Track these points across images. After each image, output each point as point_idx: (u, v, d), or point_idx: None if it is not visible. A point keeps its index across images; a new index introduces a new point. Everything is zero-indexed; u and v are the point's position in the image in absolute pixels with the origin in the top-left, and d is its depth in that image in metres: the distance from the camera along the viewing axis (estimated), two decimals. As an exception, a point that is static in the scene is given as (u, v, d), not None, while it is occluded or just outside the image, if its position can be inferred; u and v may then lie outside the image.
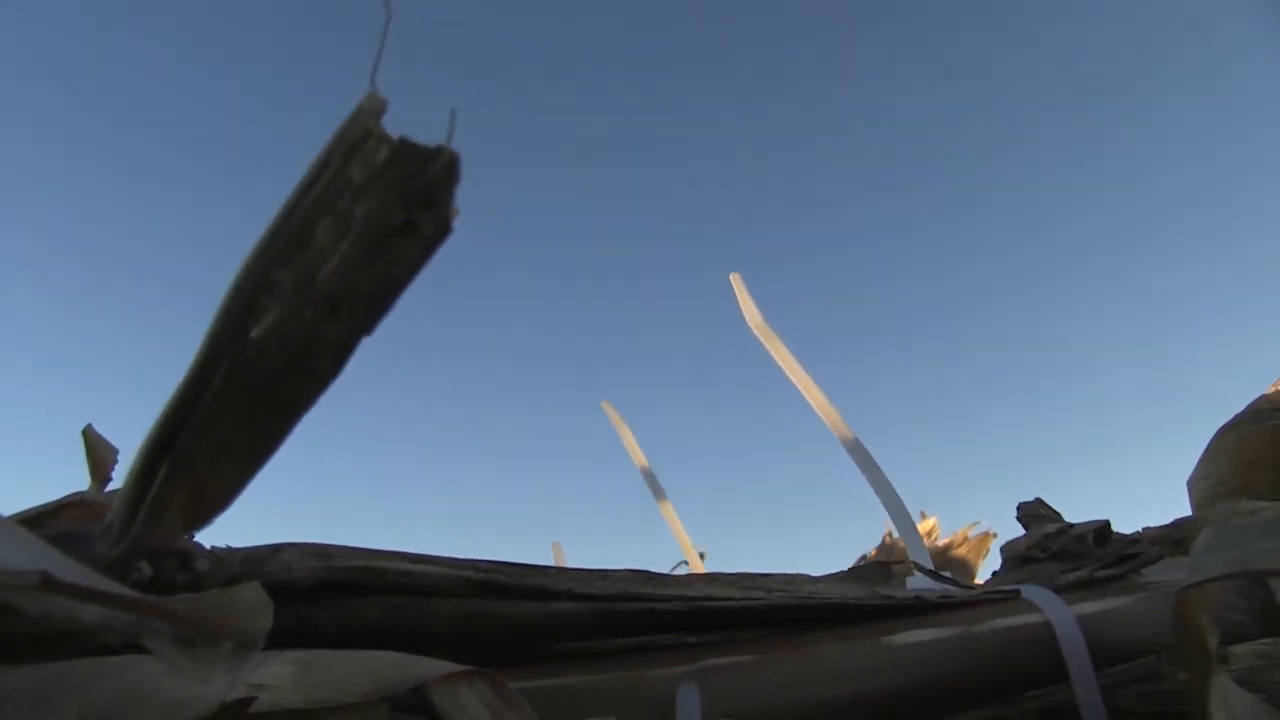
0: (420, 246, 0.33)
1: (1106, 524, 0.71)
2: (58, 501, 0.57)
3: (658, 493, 1.43)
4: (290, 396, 0.35)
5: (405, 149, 0.32)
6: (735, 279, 0.99)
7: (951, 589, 0.63)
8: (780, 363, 0.94)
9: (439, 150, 0.32)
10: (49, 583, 0.27)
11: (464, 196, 0.32)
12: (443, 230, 0.33)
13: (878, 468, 0.86)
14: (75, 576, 0.31)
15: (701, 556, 2.22)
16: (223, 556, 0.47)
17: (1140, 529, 0.73)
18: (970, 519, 1.84)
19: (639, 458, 1.43)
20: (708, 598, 0.53)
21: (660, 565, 0.56)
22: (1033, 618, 0.59)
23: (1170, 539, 0.70)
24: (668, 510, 1.44)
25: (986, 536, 1.84)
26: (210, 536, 0.45)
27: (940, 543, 1.86)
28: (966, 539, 1.83)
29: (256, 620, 0.35)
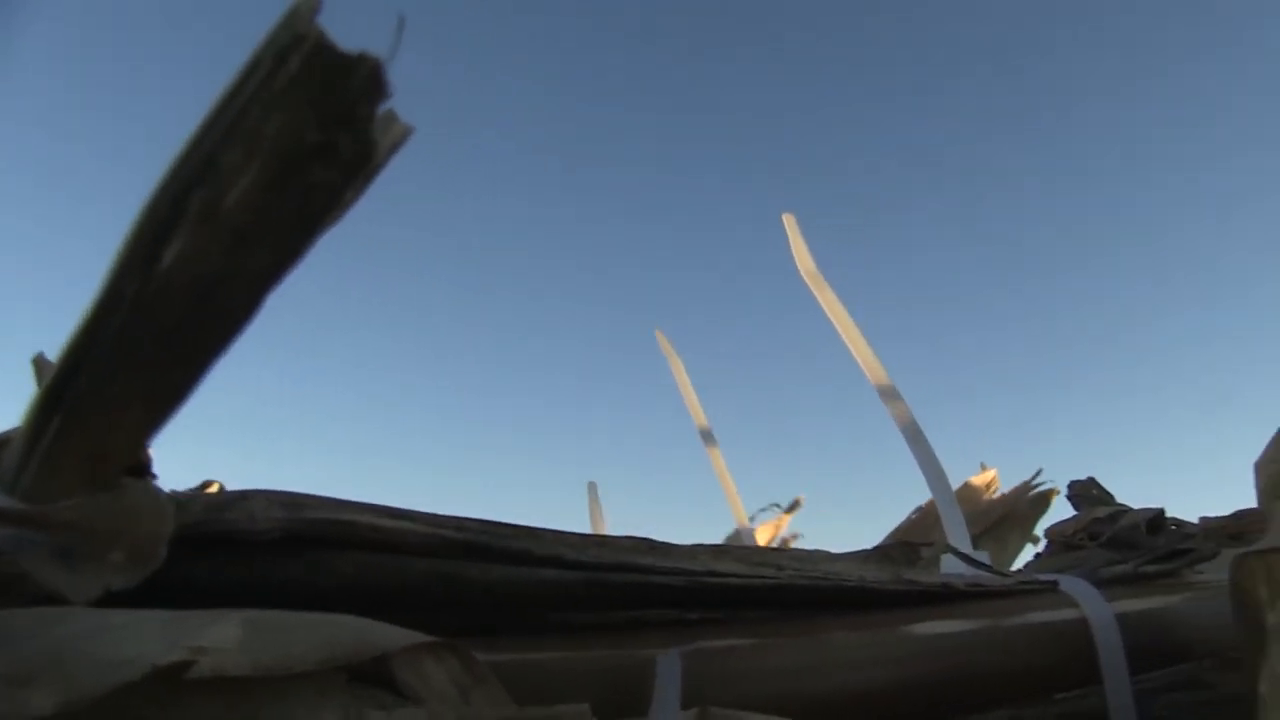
0: (339, 171, 0.28)
1: (1161, 512, 0.66)
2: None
3: (706, 433, 1.39)
4: (202, 336, 0.31)
5: (320, 57, 0.27)
6: (788, 220, 0.94)
7: (984, 575, 0.59)
8: (829, 312, 0.90)
9: (359, 59, 0.27)
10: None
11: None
12: (365, 153, 0.28)
13: (921, 433, 0.81)
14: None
15: (795, 505, 2.17)
16: (183, 502, 0.44)
17: (1198, 519, 0.68)
18: (1042, 475, 1.80)
19: (689, 393, 1.39)
20: (711, 573, 0.49)
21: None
22: (1069, 613, 0.55)
23: (1228, 532, 0.65)
24: (715, 454, 1.41)
25: (1050, 492, 1.79)
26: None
27: (998, 495, 1.82)
28: (1029, 494, 1.78)
29: (154, 525, 0.32)
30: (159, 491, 0.34)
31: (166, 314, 0.30)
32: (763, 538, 2.02)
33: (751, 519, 1.85)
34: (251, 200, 0.29)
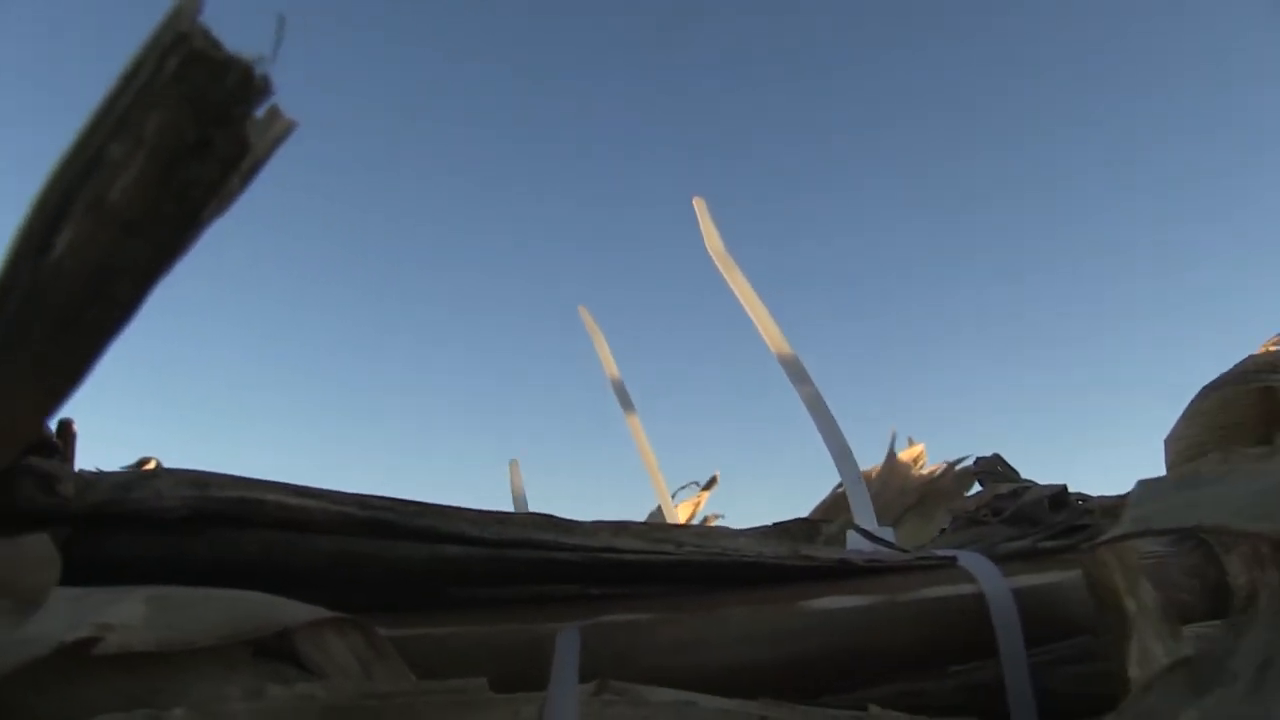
0: (217, 167, 0.29)
1: (1063, 489, 0.68)
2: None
3: (628, 407, 1.40)
4: (93, 322, 0.32)
5: (197, 57, 0.28)
6: (699, 203, 0.95)
7: (885, 552, 0.60)
8: (737, 292, 0.90)
9: (234, 61, 0.28)
10: None
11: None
12: (240, 150, 0.29)
13: (828, 411, 0.82)
14: None
15: (712, 482, 2.19)
16: (90, 480, 0.44)
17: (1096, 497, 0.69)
18: (969, 450, 1.82)
19: (612, 369, 1.39)
20: (611, 549, 0.50)
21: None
22: (967, 588, 0.56)
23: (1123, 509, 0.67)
24: (637, 430, 1.41)
25: (970, 471, 1.81)
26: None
27: (925, 471, 1.84)
28: (954, 470, 1.81)
29: (40, 576, 0.32)
30: (49, 544, 0.34)
31: (58, 301, 0.31)
32: (683, 515, 2.04)
33: (672, 496, 1.87)
34: (136, 194, 0.29)
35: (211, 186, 0.30)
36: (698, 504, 2.13)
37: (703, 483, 2.14)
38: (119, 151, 0.29)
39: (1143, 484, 0.49)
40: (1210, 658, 0.41)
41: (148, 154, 0.29)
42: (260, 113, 0.30)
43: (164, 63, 0.28)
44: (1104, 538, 0.46)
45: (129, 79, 0.29)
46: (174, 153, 0.29)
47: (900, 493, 1.74)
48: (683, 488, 2.06)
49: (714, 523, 2.08)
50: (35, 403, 0.34)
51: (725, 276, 0.91)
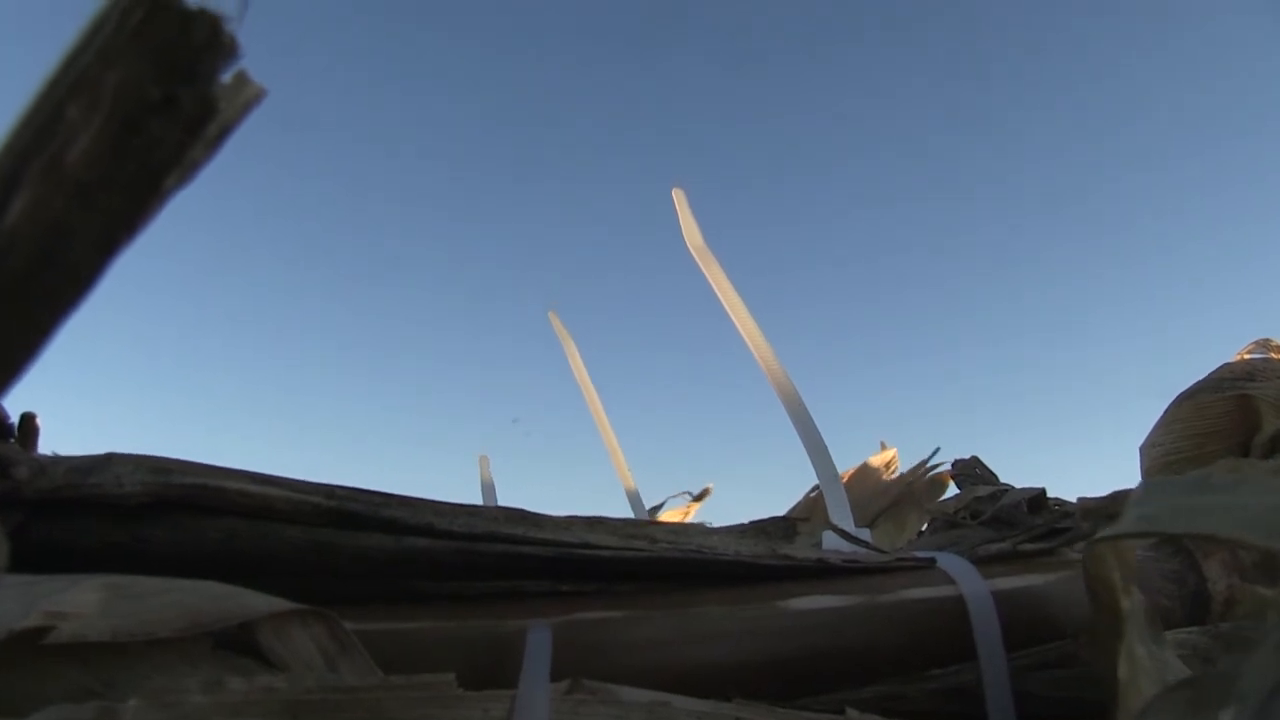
0: (179, 129, 0.28)
1: (1042, 492, 0.68)
2: None
3: (598, 413, 1.39)
4: (49, 293, 0.30)
5: (161, 6, 0.27)
6: (678, 194, 0.94)
7: (863, 552, 0.60)
8: (716, 288, 0.89)
9: (199, 12, 0.27)
10: None
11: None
12: (207, 110, 0.28)
13: (806, 411, 0.81)
14: None
15: (704, 494, 2.18)
16: (45, 464, 0.43)
17: (1076, 499, 0.69)
18: (939, 455, 1.82)
19: (582, 374, 1.38)
20: (584, 544, 0.48)
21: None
22: (946, 590, 0.55)
23: (1105, 512, 0.66)
24: (608, 436, 1.40)
25: (945, 475, 1.81)
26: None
27: (896, 475, 1.84)
28: (927, 473, 1.81)
29: None
30: None
31: (12, 270, 0.30)
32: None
33: (660, 505, 1.86)
34: (94, 155, 0.28)
35: (174, 150, 0.28)
36: (686, 514, 2.12)
37: (695, 493, 2.13)
38: (76, 111, 0.28)
39: (1148, 484, 0.48)
40: (1219, 678, 0.40)
41: (107, 113, 0.28)
42: (227, 77, 0.29)
43: (127, 17, 0.27)
44: (1107, 533, 0.45)
45: (90, 35, 0.28)
46: (134, 111, 0.28)
47: (873, 495, 1.74)
48: (674, 496, 2.05)
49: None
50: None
51: (704, 271, 0.90)
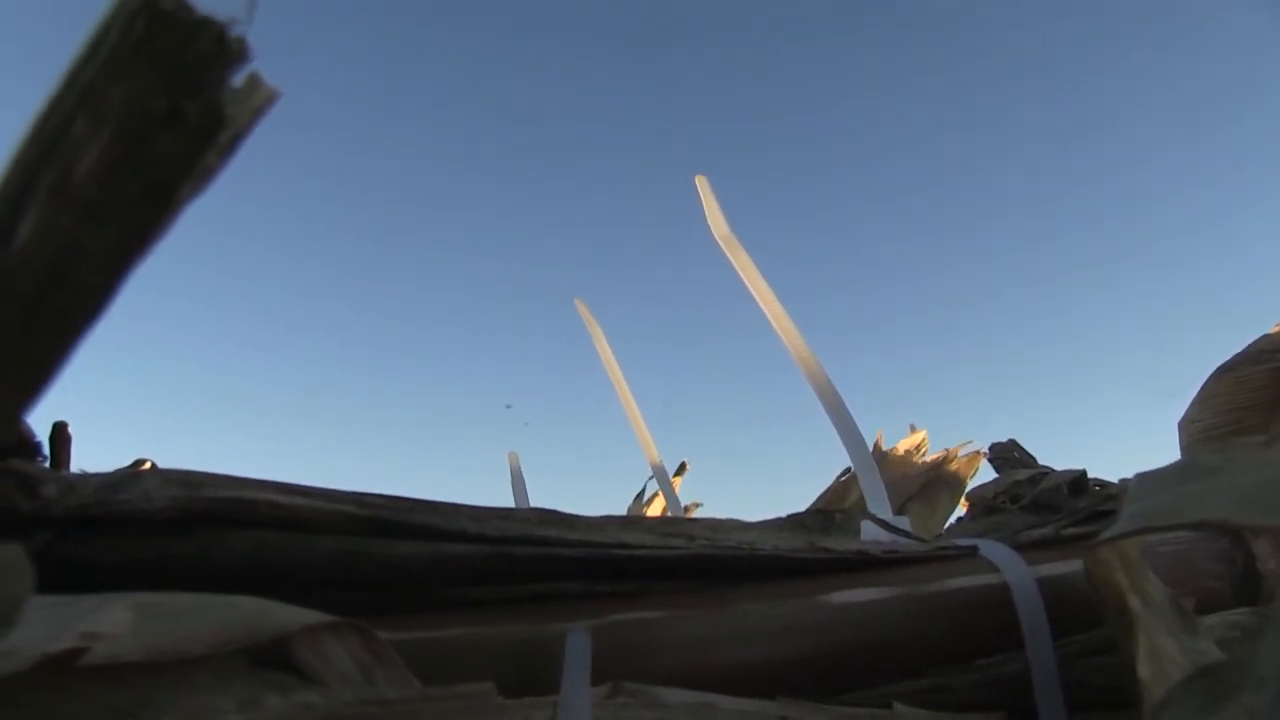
0: (188, 140, 0.27)
1: (1082, 474, 0.66)
2: None
3: (626, 398, 1.38)
4: (62, 314, 0.30)
5: (164, 19, 0.26)
6: (701, 182, 0.92)
7: (902, 542, 0.59)
8: (743, 274, 0.88)
9: (204, 23, 0.26)
10: None
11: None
12: (214, 122, 0.27)
13: (839, 397, 0.80)
14: None
15: (682, 469, 2.19)
16: (73, 482, 0.42)
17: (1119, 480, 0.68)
18: (969, 435, 1.82)
19: (609, 360, 1.38)
20: (620, 544, 0.48)
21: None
22: (989, 578, 0.54)
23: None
24: (635, 418, 1.40)
25: (977, 455, 1.80)
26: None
27: (930, 458, 1.83)
28: (957, 456, 1.80)
29: (13, 587, 0.31)
30: (19, 553, 0.32)
31: (24, 291, 0.29)
32: (655, 509, 2.05)
33: (643, 492, 1.86)
34: (101, 171, 0.27)
35: (184, 162, 0.27)
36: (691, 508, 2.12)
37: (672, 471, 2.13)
38: (83, 127, 0.27)
39: (1140, 478, 0.47)
40: (1235, 664, 0.39)
41: (113, 128, 0.27)
42: (238, 81, 0.28)
43: (130, 28, 0.26)
44: (1103, 537, 0.45)
45: (94, 48, 0.27)
46: (140, 125, 0.27)
47: (901, 479, 1.72)
48: (650, 479, 2.05)
49: (693, 512, 2.07)
50: (7, 398, 0.32)
51: (730, 258, 0.88)
